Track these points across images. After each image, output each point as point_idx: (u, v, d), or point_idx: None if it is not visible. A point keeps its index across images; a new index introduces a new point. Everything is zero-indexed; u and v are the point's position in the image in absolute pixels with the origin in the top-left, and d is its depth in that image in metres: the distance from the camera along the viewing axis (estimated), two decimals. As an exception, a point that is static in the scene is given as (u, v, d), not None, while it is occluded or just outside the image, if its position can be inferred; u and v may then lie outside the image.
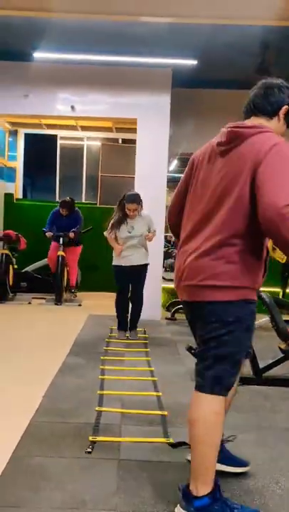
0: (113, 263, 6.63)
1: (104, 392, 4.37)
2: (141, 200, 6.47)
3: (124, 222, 6.47)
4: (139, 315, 6.75)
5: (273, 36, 6.86)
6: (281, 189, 2.21)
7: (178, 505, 2.51)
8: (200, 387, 2.50)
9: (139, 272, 6.59)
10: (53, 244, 9.20)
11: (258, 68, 7.61)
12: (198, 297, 2.50)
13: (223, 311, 2.44)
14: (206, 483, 2.44)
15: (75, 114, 8.00)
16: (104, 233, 6.62)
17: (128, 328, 6.71)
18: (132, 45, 7.14)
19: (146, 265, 6.61)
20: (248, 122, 2.57)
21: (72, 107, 7.90)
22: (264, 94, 2.57)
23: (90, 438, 3.40)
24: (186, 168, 2.79)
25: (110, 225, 6.54)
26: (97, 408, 3.96)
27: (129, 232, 6.45)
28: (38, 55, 7.31)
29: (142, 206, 6.50)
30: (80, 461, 3.10)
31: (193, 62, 7.38)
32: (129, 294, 6.70)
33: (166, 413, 3.92)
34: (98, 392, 4.35)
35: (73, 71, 7.82)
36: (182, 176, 2.82)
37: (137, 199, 6.41)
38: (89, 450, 3.23)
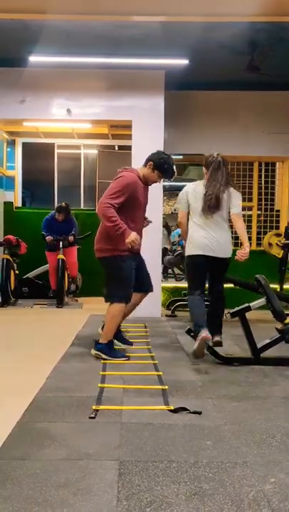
0: (188, 253, 5.17)
1: (107, 372, 4.48)
2: None
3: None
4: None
5: (262, 34, 7.04)
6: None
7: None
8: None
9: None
10: (50, 257, 9.35)
11: (248, 66, 7.79)
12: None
13: None
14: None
15: (71, 117, 8.13)
16: (176, 206, 5.46)
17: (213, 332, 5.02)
18: (126, 47, 7.29)
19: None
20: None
21: (68, 110, 8.04)
22: None
23: (93, 407, 3.51)
24: None
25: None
26: (99, 384, 4.07)
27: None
28: (33, 59, 7.45)
29: None
30: (84, 425, 3.21)
31: (185, 61, 7.51)
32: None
33: (166, 387, 4.03)
34: (100, 372, 4.45)
35: (68, 75, 7.97)
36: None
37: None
38: (92, 416, 3.34)
